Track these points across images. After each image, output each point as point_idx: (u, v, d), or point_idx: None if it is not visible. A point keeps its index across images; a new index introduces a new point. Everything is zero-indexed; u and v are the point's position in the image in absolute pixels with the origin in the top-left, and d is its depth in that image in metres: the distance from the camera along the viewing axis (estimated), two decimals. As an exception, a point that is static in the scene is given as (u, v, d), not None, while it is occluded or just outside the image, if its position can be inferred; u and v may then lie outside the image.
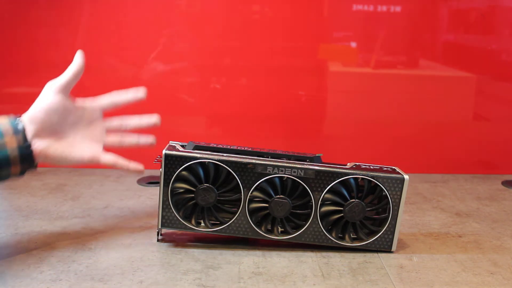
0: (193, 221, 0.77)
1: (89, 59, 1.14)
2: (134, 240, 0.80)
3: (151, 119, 0.80)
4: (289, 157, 0.78)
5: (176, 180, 0.75)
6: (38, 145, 0.70)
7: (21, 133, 0.68)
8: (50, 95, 0.73)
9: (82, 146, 0.75)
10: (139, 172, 0.78)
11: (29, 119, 0.70)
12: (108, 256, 0.74)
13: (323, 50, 1.18)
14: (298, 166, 0.75)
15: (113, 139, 0.78)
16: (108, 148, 0.77)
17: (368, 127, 1.20)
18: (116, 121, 0.79)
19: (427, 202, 1.02)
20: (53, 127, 0.72)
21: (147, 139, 0.79)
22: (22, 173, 0.70)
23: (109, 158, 0.76)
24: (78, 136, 0.75)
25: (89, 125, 0.77)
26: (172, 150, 0.75)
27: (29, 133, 0.70)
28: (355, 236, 0.78)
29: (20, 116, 0.71)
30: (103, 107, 0.79)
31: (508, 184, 1.14)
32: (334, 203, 0.77)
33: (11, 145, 0.67)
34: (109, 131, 0.78)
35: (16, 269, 0.70)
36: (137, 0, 1.12)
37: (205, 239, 0.80)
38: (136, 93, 0.79)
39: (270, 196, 0.76)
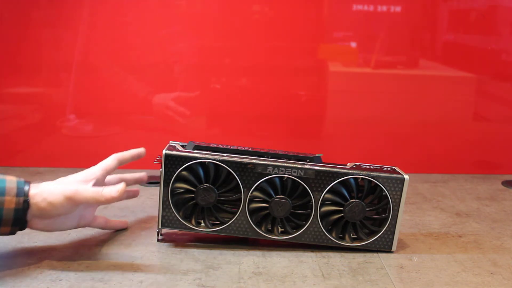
0: (193, 221, 0.77)
1: (89, 59, 1.15)
2: (134, 240, 0.80)
3: (140, 174, 0.86)
4: (289, 157, 0.79)
5: (176, 180, 0.75)
6: (32, 215, 0.68)
7: (23, 197, 0.67)
8: (63, 205, 0.69)
9: (72, 218, 0.74)
10: (125, 227, 0.84)
11: (36, 200, 0.68)
12: (108, 256, 0.74)
13: (323, 50, 1.18)
14: (298, 166, 0.75)
15: (99, 222, 0.81)
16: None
17: (368, 127, 1.20)
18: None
19: (427, 202, 1.02)
20: (52, 218, 0.71)
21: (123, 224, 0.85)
22: (10, 233, 0.68)
23: (99, 222, 0.80)
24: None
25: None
26: (172, 150, 0.75)
27: (32, 209, 0.68)
28: (355, 236, 0.78)
29: (30, 184, 0.69)
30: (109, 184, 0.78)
31: (508, 184, 1.14)
32: (334, 203, 0.77)
33: (9, 205, 0.66)
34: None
35: (16, 269, 0.70)
36: (137, 0, 1.12)
37: (205, 239, 0.80)
38: (138, 156, 0.81)
39: (270, 196, 0.76)
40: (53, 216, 0.70)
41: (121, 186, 0.70)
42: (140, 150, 0.81)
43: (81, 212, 0.75)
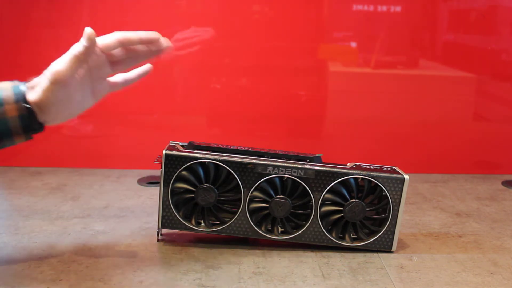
0: (193, 221, 0.77)
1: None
2: (134, 240, 0.80)
3: (145, 66, 0.74)
4: (289, 157, 0.79)
5: (176, 180, 0.75)
6: (43, 116, 0.65)
7: (22, 101, 0.63)
8: (56, 92, 0.65)
9: (86, 98, 0.69)
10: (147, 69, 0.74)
11: (35, 103, 0.64)
12: (108, 256, 0.74)
13: (323, 50, 1.17)
14: (298, 166, 0.75)
15: (117, 79, 0.73)
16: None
17: (368, 127, 1.20)
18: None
19: (427, 202, 1.02)
20: (61, 109, 0.66)
21: (146, 67, 0.75)
22: (27, 139, 0.66)
23: (116, 82, 0.73)
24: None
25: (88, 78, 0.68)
26: (172, 150, 0.75)
27: (39, 112, 0.64)
28: (355, 236, 0.78)
29: (28, 81, 0.65)
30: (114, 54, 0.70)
31: (508, 184, 1.14)
32: (334, 203, 0.77)
33: (12, 113, 0.63)
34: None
35: (16, 269, 0.70)
36: (137, 0, 1.12)
37: (205, 239, 0.80)
38: (148, 41, 0.70)
39: (270, 196, 0.76)
40: (62, 105, 0.65)
41: (88, 30, 0.64)
42: (150, 35, 0.70)
43: (90, 85, 0.69)
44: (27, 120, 0.64)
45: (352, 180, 0.76)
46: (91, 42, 0.65)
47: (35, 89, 0.65)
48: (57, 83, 0.64)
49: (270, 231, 0.78)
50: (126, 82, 0.74)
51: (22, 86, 0.65)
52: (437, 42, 1.19)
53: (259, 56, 1.16)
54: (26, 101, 0.64)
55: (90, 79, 0.68)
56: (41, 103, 0.64)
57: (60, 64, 0.65)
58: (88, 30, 0.65)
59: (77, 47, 0.65)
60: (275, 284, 0.68)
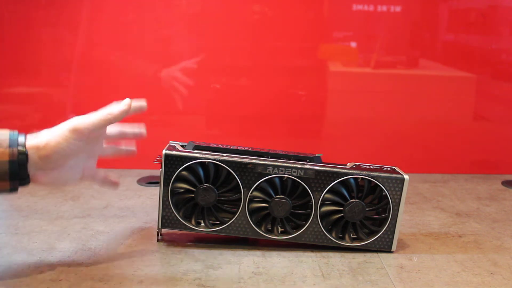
0: (193, 221, 0.77)
1: (88, 59, 1.15)
2: (134, 240, 0.80)
3: (140, 129, 0.78)
4: (289, 157, 0.79)
5: (176, 180, 0.75)
6: (34, 168, 0.64)
7: (17, 147, 0.62)
8: (69, 140, 0.65)
9: (77, 169, 0.70)
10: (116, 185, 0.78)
11: (36, 148, 0.64)
12: (108, 256, 0.74)
13: (323, 50, 1.18)
14: (298, 166, 0.75)
15: (108, 151, 0.77)
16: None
17: (368, 127, 1.20)
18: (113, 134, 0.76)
19: (427, 202, 1.02)
20: (57, 165, 0.66)
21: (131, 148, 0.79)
22: (12, 190, 0.63)
23: (100, 175, 0.75)
24: (76, 160, 0.69)
25: (90, 146, 0.70)
26: (172, 150, 0.75)
27: (33, 160, 0.64)
28: (355, 236, 0.78)
29: (28, 134, 0.65)
30: (110, 136, 0.75)
31: (508, 184, 1.14)
32: (334, 203, 0.77)
33: (2, 158, 0.61)
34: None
35: (16, 269, 0.70)
36: (137, 0, 1.12)
37: (205, 239, 0.80)
38: (140, 108, 0.73)
39: (270, 196, 0.76)
40: (59, 161, 0.65)
41: (128, 100, 0.68)
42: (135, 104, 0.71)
43: (84, 162, 0.70)
44: (16, 168, 0.62)
45: (352, 180, 0.76)
46: (128, 110, 0.68)
47: (43, 138, 0.65)
48: (76, 132, 0.66)
49: (270, 231, 0.78)
50: (105, 181, 0.76)
51: (21, 135, 0.64)
52: (437, 42, 1.19)
53: (259, 56, 1.16)
54: (23, 149, 0.63)
55: (87, 153, 0.71)
56: (46, 148, 0.64)
57: (86, 118, 0.67)
58: (127, 100, 0.69)
59: (112, 110, 0.68)
60: (275, 284, 0.68)
